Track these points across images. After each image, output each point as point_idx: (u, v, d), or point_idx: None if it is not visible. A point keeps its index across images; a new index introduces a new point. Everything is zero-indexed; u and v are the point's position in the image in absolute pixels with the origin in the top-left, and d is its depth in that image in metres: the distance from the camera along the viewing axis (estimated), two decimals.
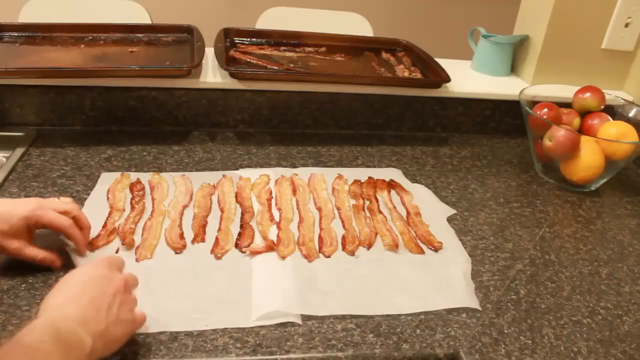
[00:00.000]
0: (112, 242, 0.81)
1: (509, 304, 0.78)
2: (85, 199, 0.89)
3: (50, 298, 0.58)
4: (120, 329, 0.59)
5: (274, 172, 1.02)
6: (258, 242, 0.84)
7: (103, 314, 0.57)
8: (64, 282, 0.60)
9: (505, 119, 1.28)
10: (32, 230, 0.73)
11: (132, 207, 0.89)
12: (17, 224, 0.70)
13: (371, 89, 1.19)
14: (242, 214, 0.90)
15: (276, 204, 0.93)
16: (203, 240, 0.83)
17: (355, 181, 1.01)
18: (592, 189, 1.10)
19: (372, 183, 1.02)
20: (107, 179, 0.95)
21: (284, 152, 1.11)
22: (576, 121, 1.13)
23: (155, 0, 1.67)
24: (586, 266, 0.88)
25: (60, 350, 0.50)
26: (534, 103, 1.13)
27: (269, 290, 0.74)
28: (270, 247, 0.82)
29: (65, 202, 0.77)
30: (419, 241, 0.88)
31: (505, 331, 0.73)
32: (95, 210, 0.85)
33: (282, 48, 1.30)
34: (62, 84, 1.06)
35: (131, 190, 0.93)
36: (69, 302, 0.57)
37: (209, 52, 1.18)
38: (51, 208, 0.73)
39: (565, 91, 1.16)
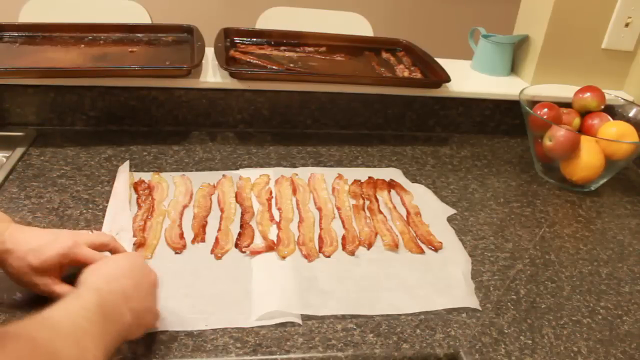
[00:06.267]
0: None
1: (509, 303, 0.78)
2: (86, 198, 0.90)
3: (90, 275, 0.60)
4: (150, 316, 0.62)
5: (274, 172, 1.02)
6: (258, 242, 0.84)
7: (142, 295, 0.60)
8: (104, 264, 0.63)
9: (505, 119, 1.28)
10: (65, 267, 0.67)
11: (139, 206, 0.89)
12: (49, 260, 0.65)
13: (371, 89, 1.18)
14: (242, 214, 0.90)
15: (276, 204, 0.93)
16: (203, 240, 0.83)
17: (355, 181, 1.01)
18: (592, 189, 1.10)
19: (372, 183, 1.02)
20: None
21: (284, 152, 1.11)
22: (576, 121, 1.13)
23: (155, 0, 1.67)
24: (586, 266, 0.88)
25: (102, 320, 0.52)
26: (534, 103, 1.12)
27: (269, 290, 0.74)
28: (270, 247, 0.82)
29: (100, 234, 0.72)
30: (419, 241, 0.88)
31: (505, 331, 0.73)
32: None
33: (282, 48, 1.30)
34: (62, 84, 1.06)
35: (136, 190, 0.93)
36: (113, 279, 0.59)
37: (209, 52, 1.18)
38: (86, 243, 0.68)
39: (565, 91, 1.16)
